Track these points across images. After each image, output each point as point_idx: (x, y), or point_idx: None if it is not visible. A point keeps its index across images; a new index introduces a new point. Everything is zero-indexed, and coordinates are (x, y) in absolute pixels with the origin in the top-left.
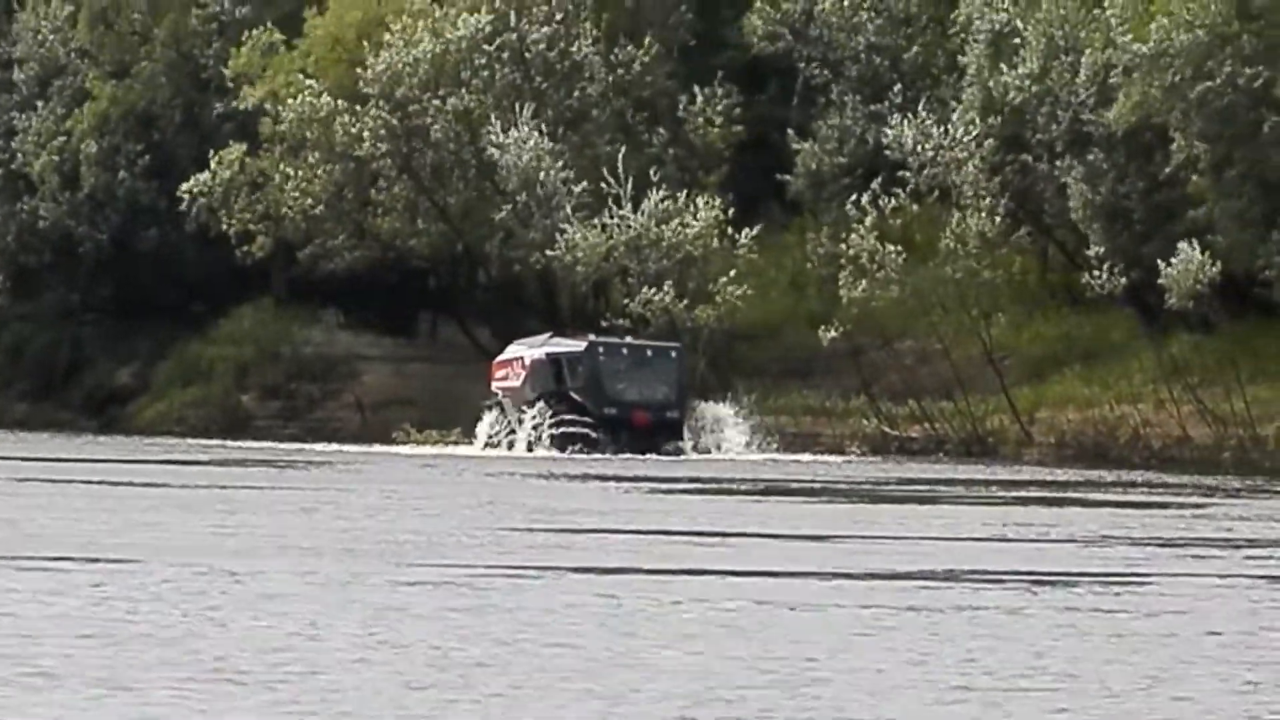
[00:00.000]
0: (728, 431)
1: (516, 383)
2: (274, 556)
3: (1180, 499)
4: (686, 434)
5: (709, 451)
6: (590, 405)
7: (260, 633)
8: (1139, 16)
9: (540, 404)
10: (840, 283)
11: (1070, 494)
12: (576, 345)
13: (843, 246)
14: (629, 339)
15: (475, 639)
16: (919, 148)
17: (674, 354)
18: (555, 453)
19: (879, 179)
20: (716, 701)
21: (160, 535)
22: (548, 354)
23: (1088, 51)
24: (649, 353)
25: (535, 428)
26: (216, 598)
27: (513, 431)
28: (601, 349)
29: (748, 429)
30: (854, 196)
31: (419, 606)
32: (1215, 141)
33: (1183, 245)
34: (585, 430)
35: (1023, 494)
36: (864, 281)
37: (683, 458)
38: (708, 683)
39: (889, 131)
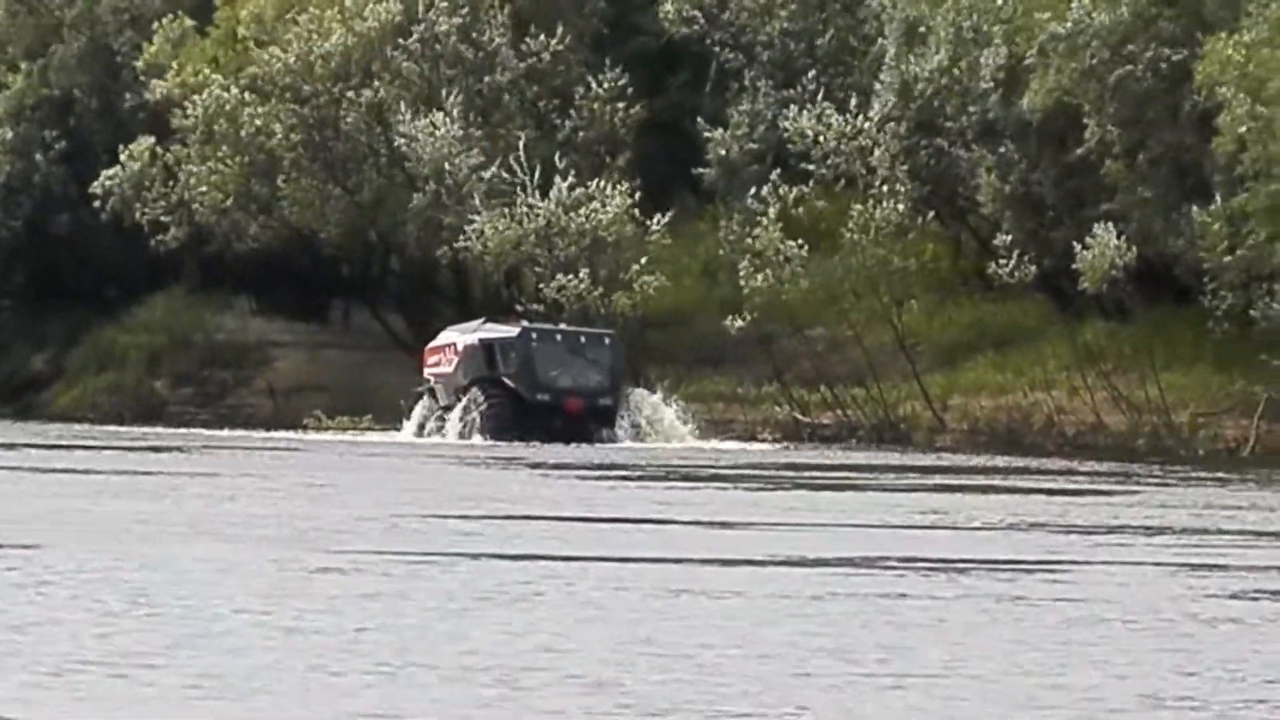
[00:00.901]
0: (667, 418)
1: (449, 369)
2: (183, 542)
3: (1096, 485)
4: (623, 421)
5: (647, 438)
6: (523, 391)
7: (172, 619)
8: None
9: (473, 390)
10: (741, 274)
11: (985, 480)
12: (510, 331)
13: (748, 241)
14: (563, 325)
15: (367, 622)
16: (820, 138)
17: (608, 340)
18: (487, 439)
19: (778, 170)
20: (612, 687)
21: (67, 520)
22: (480, 340)
23: (995, 42)
24: (582, 339)
25: (466, 414)
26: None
27: (443, 419)
28: (535, 335)
29: (689, 416)
30: (762, 185)
31: (319, 590)
32: (1130, 126)
33: (1098, 228)
34: (516, 416)
35: (939, 480)
36: (765, 273)
37: (619, 445)
38: (606, 669)
39: (787, 125)
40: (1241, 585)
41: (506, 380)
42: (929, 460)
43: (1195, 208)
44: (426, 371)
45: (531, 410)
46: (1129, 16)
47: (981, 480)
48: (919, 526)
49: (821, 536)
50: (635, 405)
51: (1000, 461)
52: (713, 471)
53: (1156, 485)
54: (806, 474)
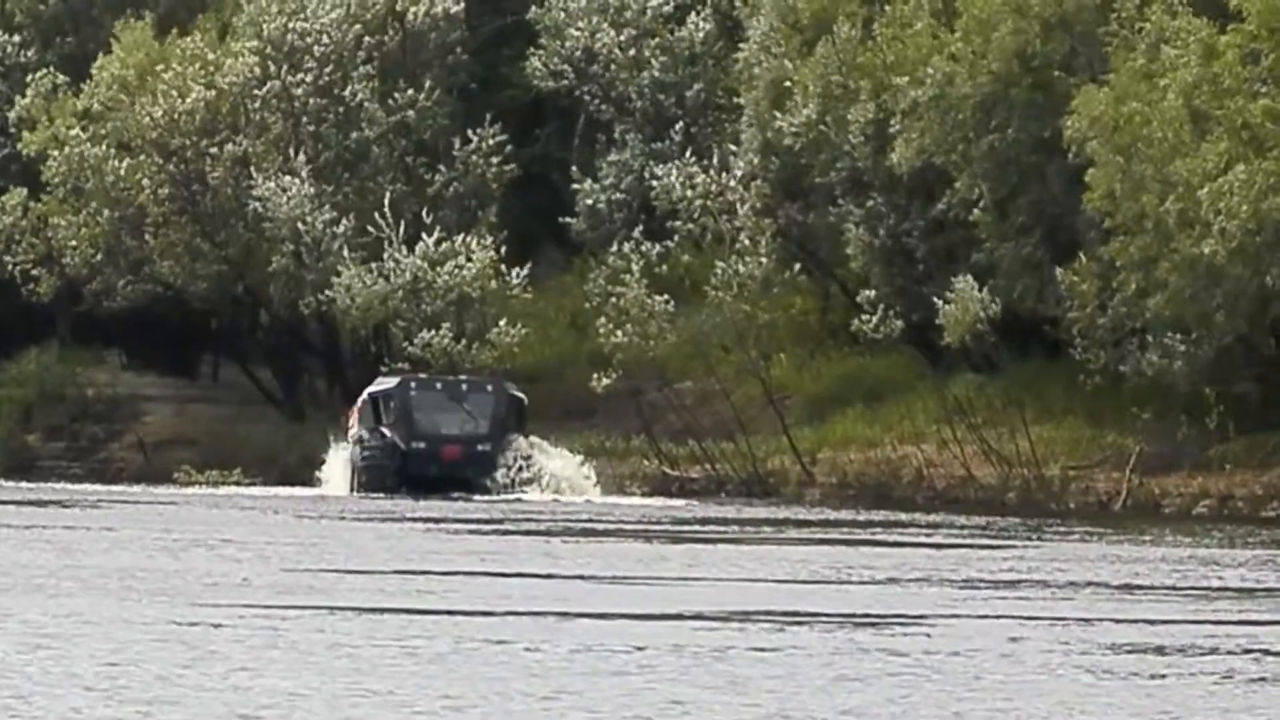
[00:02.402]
0: (555, 465)
1: (353, 425)
2: (30, 594)
3: (966, 540)
4: (504, 469)
5: (530, 486)
6: (399, 440)
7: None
8: (918, 57)
9: (360, 443)
10: (600, 330)
11: (853, 534)
12: (391, 382)
13: (612, 300)
14: (449, 376)
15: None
16: (686, 194)
17: (489, 388)
18: (360, 493)
19: (643, 223)
20: None
21: None
22: (369, 393)
23: (862, 98)
24: (464, 387)
25: (347, 468)
26: None
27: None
28: (414, 384)
29: (577, 463)
30: (629, 238)
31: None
32: (999, 183)
33: (959, 280)
34: (395, 466)
35: (808, 534)
36: (625, 328)
37: (509, 496)
38: None
39: (654, 182)
40: (1088, 637)
41: (386, 431)
42: (801, 514)
43: (1060, 270)
44: (349, 431)
45: (410, 459)
46: (989, 86)
47: (849, 534)
48: (779, 581)
49: (692, 590)
50: (521, 453)
51: (873, 516)
52: (585, 526)
53: (1025, 540)
54: (687, 528)
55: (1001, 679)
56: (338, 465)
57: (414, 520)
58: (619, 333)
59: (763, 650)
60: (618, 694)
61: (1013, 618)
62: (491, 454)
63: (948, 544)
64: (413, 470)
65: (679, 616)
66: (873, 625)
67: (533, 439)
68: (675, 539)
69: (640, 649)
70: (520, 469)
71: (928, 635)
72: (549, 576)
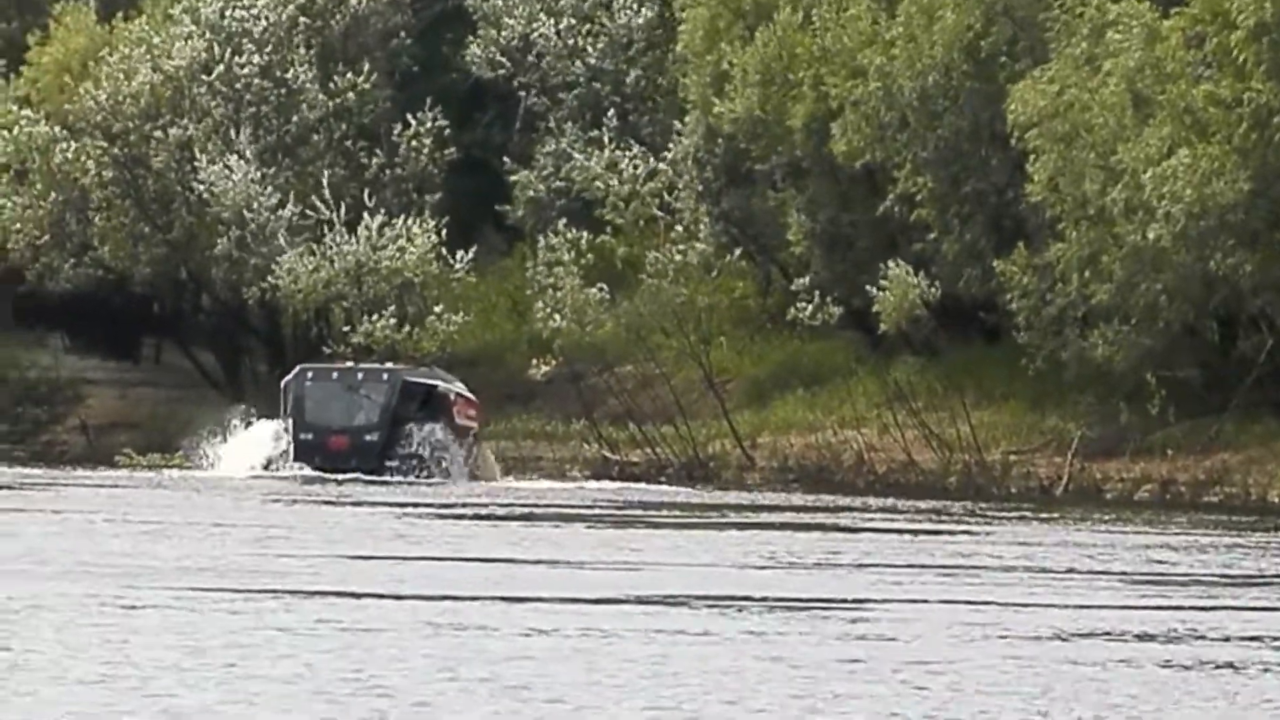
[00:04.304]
0: (453, 453)
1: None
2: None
3: (909, 524)
4: (397, 458)
5: (429, 475)
6: (293, 429)
7: None
8: (856, 45)
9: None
10: (537, 316)
11: (795, 519)
12: (293, 373)
13: (550, 290)
14: (348, 365)
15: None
16: (612, 184)
17: (385, 377)
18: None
19: (579, 210)
20: None
21: None
22: (283, 383)
23: (803, 87)
24: (359, 375)
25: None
26: None
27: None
28: (310, 374)
29: (475, 451)
30: (562, 225)
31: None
32: (941, 171)
33: (893, 266)
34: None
35: (753, 519)
36: (562, 313)
37: (399, 479)
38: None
39: (574, 175)
40: (1026, 621)
41: (282, 420)
42: (741, 499)
43: (998, 262)
44: None
45: (299, 449)
46: (930, 76)
47: (792, 519)
48: (724, 565)
49: (643, 576)
50: (423, 441)
51: (814, 500)
52: (524, 510)
53: (965, 524)
54: (627, 512)
55: (943, 664)
56: (240, 445)
57: (355, 505)
58: (556, 317)
59: (706, 635)
60: (556, 680)
61: (955, 602)
62: (378, 444)
63: (890, 529)
64: (300, 459)
65: (619, 601)
66: (813, 609)
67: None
68: (618, 524)
69: (583, 632)
70: (422, 458)
71: (868, 620)
72: (496, 560)
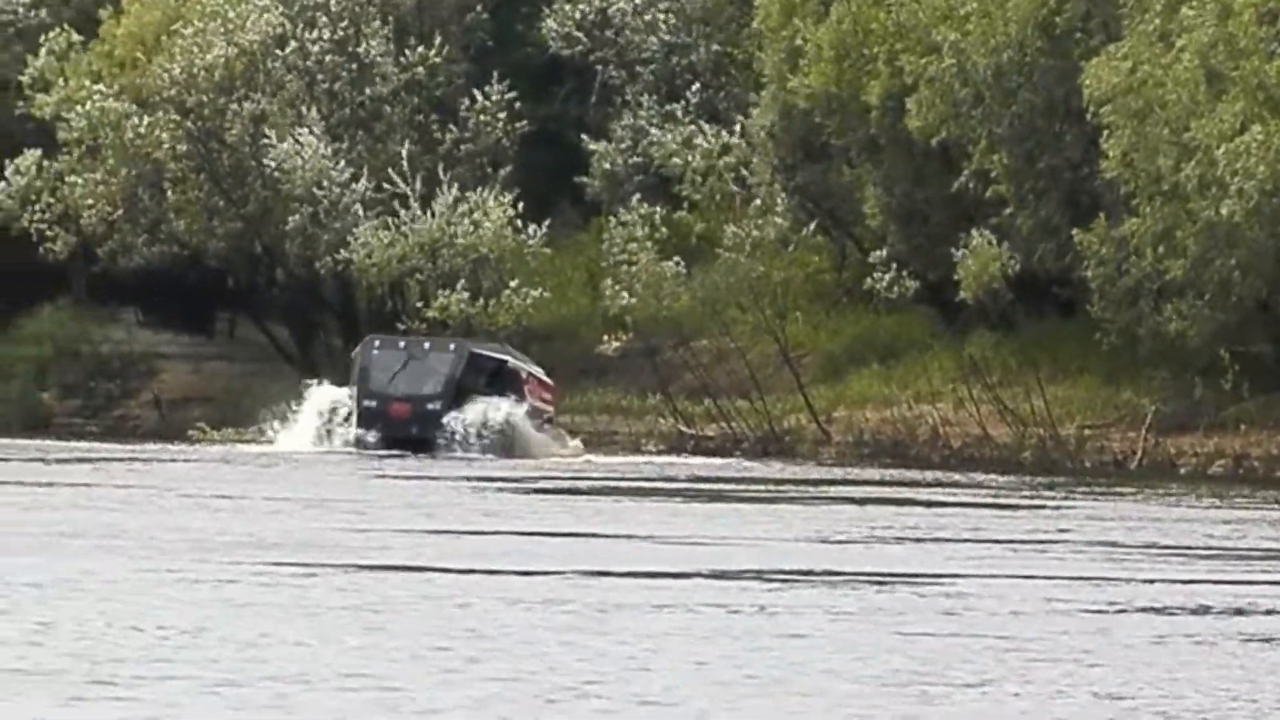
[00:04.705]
0: (520, 431)
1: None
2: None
3: (985, 499)
4: (457, 428)
5: (487, 450)
6: (357, 398)
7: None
8: (930, 21)
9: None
10: (607, 294)
11: (871, 492)
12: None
13: (625, 266)
14: (417, 336)
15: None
16: (691, 156)
17: (452, 347)
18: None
19: (658, 184)
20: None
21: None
22: (352, 355)
23: (879, 64)
24: (426, 346)
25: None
26: None
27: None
28: (377, 343)
29: (548, 425)
30: (638, 201)
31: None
32: (1016, 147)
33: (975, 235)
34: (351, 426)
35: (829, 493)
36: (635, 288)
37: (456, 455)
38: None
39: (651, 150)
40: (1109, 597)
41: (349, 390)
42: (817, 473)
43: (1076, 231)
44: None
45: (361, 416)
46: (1004, 60)
47: (869, 493)
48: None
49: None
50: (485, 414)
51: (886, 474)
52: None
53: (1040, 498)
54: (706, 486)
55: (1037, 638)
56: (303, 416)
57: (430, 479)
58: (625, 294)
59: (794, 610)
60: (639, 654)
61: (1047, 578)
62: (439, 413)
63: (967, 503)
64: (363, 426)
65: (700, 575)
66: (901, 584)
67: (549, 422)
68: (694, 497)
69: (661, 607)
70: (483, 430)
71: (961, 594)
72: (573, 535)
